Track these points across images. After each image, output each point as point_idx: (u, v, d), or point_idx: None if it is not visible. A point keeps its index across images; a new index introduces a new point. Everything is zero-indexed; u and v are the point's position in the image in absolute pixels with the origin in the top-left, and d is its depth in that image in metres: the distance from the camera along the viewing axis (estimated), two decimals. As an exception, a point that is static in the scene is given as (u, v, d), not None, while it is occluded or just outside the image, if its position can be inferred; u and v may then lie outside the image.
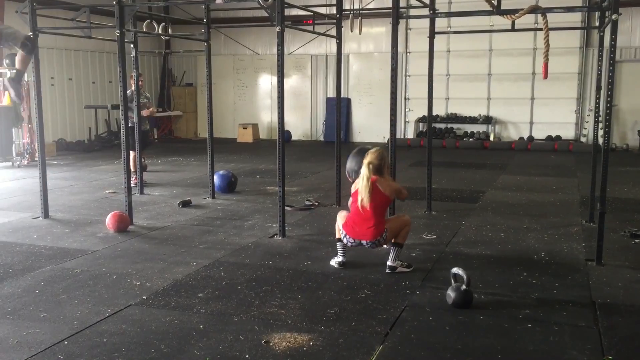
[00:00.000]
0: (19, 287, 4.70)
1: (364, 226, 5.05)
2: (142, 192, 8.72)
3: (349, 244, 5.17)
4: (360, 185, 5.00)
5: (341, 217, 5.27)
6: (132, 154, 9.14)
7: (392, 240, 5.16)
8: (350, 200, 5.20)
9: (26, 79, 11.86)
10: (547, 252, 5.75)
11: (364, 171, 5.01)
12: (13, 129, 12.12)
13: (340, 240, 5.26)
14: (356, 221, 5.09)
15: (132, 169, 9.09)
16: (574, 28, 13.48)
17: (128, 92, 9.10)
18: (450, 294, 4.31)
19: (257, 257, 5.55)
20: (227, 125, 17.83)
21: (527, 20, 7.45)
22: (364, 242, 5.10)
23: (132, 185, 8.16)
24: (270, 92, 17.57)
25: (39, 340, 3.72)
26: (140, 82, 9.31)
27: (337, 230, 5.29)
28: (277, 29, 5.98)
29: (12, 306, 4.31)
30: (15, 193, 8.80)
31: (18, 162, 11.64)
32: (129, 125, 9.01)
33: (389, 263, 5.12)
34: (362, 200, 4.98)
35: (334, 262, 5.28)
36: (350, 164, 5.58)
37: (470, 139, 15.63)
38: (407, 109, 16.45)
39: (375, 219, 5.03)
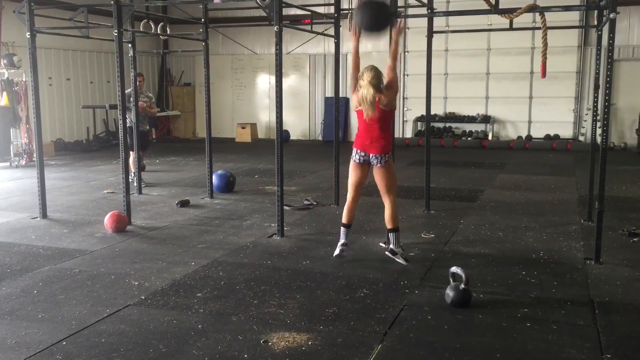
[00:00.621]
0: (17, 288, 4.70)
1: (372, 141, 5.29)
2: (140, 192, 8.72)
3: (360, 158, 5.36)
4: (366, 103, 5.17)
5: (350, 169, 5.46)
6: (131, 154, 9.20)
7: (388, 228, 5.38)
8: (357, 116, 5.39)
9: (24, 78, 11.87)
10: (546, 250, 5.75)
11: (367, 91, 5.14)
12: (11, 129, 12.10)
13: (344, 225, 5.45)
14: (364, 136, 5.33)
15: (132, 169, 9.13)
16: (572, 27, 13.48)
17: (127, 91, 9.11)
18: (449, 293, 4.31)
19: (256, 257, 5.55)
20: (226, 125, 17.82)
21: (525, 19, 7.46)
22: (371, 155, 5.30)
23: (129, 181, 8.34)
24: (268, 92, 17.56)
25: (37, 341, 3.72)
26: (139, 82, 9.30)
27: (344, 215, 5.47)
28: (275, 28, 5.97)
29: (10, 306, 4.30)
30: (13, 193, 8.79)
31: (16, 163, 11.63)
32: (127, 125, 9.03)
33: (391, 246, 5.35)
34: (367, 116, 5.23)
35: (337, 247, 5.44)
36: (356, 18, 5.28)
37: (469, 138, 15.63)
38: (405, 108, 16.45)
39: (382, 132, 5.28)
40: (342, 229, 5.48)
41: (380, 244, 5.88)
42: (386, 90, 5.24)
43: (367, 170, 5.43)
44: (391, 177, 5.37)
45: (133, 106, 8.93)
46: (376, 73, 5.19)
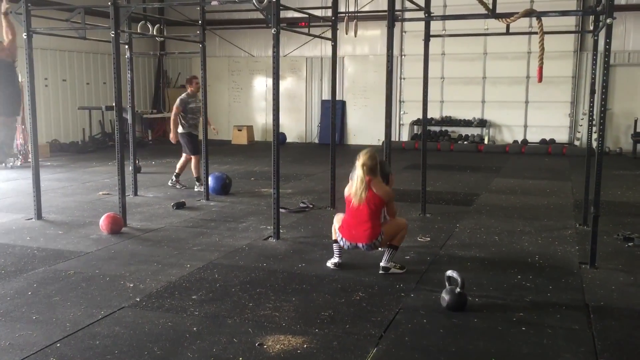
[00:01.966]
0: (11, 289, 4.67)
1: (360, 229, 5.05)
2: (136, 194, 8.70)
3: (346, 246, 5.17)
4: (355, 186, 5.02)
5: (338, 219, 5.28)
6: (191, 158, 9.21)
7: (388, 243, 5.17)
8: (345, 204, 5.19)
9: (20, 78, 11.84)
10: (541, 255, 5.76)
11: (358, 172, 5.02)
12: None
13: (336, 241, 5.27)
14: (352, 224, 5.09)
15: (195, 174, 9.22)
16: (569, 32, 13.53)
17: (184, 95, 9.03)
18: (445, 296, 4.31)
19: (251, 259, 5.54)
20: (222, 127, 17.76)
21: (521, 23, 7.48)
22: (360, 244, 5.09)
23: (199, 189, 8.72)
24: (265, 94, 17.57)
25: (31, 342, 3.70)
26: (195, 85, 9.09)
27: (334, 231, 5.29)
28: (273, 31, 5.98)
29: (4, 308, 4.28)
30: (8, 194, 8.76)
31: (11, 163, 11.59)
32: (182, 131, 9.12)
33: (382, 264, 5.14)
34: (357, 201, 4.99)
35: (330, 263, 5.29)
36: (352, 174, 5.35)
37: (465, 142, 15.66)
38: (402, 112, 16.47)
39: (371, 221, 5.03)
40: (335, 245, 5.30)
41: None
42: (384, 185, 5.09)
43: None
44: (395, 229, 5.14)
45: (129, 107, 8.91)
46: (372, 155, 5.03)
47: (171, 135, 9.22)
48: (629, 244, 6.13)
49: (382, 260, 5.15)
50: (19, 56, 10.61)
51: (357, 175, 5.03)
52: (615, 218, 7.32)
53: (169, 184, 9.46)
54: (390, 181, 5.43)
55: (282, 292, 4.66)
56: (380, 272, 5.12)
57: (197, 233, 6.53)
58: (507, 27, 6.73)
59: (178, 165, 9.51)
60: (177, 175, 9.48)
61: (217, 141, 16.47)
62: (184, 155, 9.38)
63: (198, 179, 9.19)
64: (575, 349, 3.68)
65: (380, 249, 5.40)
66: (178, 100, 9.15)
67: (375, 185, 5.04)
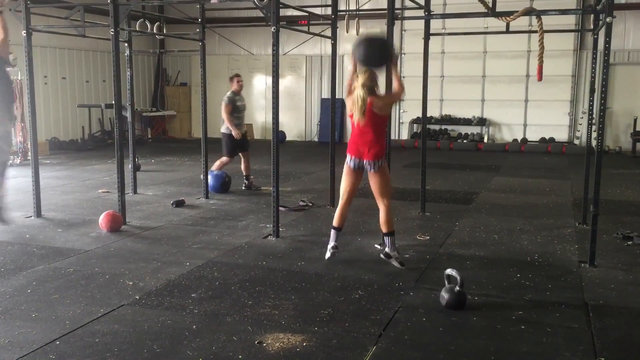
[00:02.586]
0: (10, 287, 4.67)
1: (366, 146, 5.22)
2: (135, 192, 8.69)
3: (355, 165, 5.30)
4: (357, 106, 5.13)
5: (343, 174, 5.42)
6: (224, 159, 9.06)
7: (383, 232, 5.33)
8: (351, 121, 5.33)
9: (19, 77, 11.83)
10: (540, 253, 5.77)
11: (359, 92, 5.10)
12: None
13: (335, 228, 5.41)
14: (358, 142, 5.27)
15: (217, 167, 8.97)
16: (569, 31, 13.53)
17: (230, 94, 8.87)
18: (444, 295, 4.31)
19: (251, 258, 5.54)
20: (222, 126, 17.77)
21: (521, 22, 7.47)
22: (365, 161, 5.24)
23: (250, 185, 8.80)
24: (264, 93, 17.55)
25: (30, 340, 3.70)
26: (238, 83, 9.01)
27: (336, 215, 5.43)
28: (272, 29, 5.97)
29: (3, 306, 4.28)
30: (7, 192, 8.73)
31: (10, 161, 11.57)
32: (223, 131, 8.85)
33: (386, 250, 5.30)
34: (358, 120, 5.16)
35: (328, 250, 5.40)
36: (355, 52, 5.28)
37: (464, 141, 15.66)
38: (401, 110, 16.46)
39: (375, 137, 5.21)
40: (333, 231, 5.45)
41: (376, 245, 5.88)
42: (384, 97, 5.20)
43: (361, 175, 5.40)
44: (385, 182, 5.35)
45: (129, 105, 8.90)
46: (370, 75, 5.14)
47: (235, 133, 8.82)
48: (628, 242, 6.14)
49: (387, 248, 5.31)
50: (18, 54, 10.60)
51: (358, 95, 5.11)
52: (614, 217, 7.32)
53: (243, 187, 9.09)
54: (394, 60, 5.39)
55: (282, 290, 4.67)
56: (381, 255, 5.31)
57: (197, 231, 6.53)
58: (507, 26, 6.72)
59: (242, 168, 9.17)
60: (247, 177, 9.17)
61: (216, 139, 16.45)
62: (241, 156, 9.09)
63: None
64: (574, 347, 3.68)
65: (379, 245, 5.45)
66: (226, 99, 8.85)
67: (377, 104, 5.15)
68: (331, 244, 5.40)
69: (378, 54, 5.16)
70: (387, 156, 6.27)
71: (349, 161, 5.34)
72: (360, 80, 5.13)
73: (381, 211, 5.35)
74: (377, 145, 5.23)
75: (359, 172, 5.36)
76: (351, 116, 5.28)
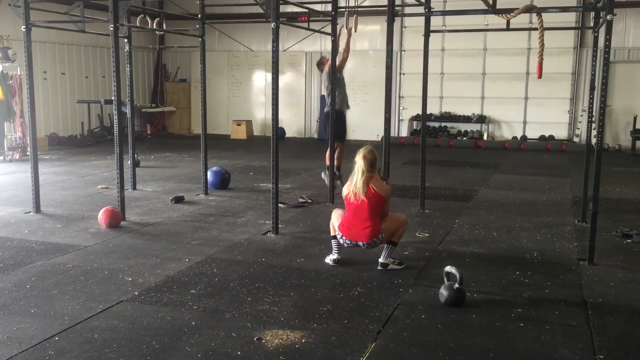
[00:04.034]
0: (9, 282, 4.67)
1: (360, 227, 5.03)
2: (134, 188, 8.69)
3: (345, 245, 5.16)
4: (355, 180, 5.01)
5: (336, 216, 5.26)
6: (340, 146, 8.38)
7: (390, 239, 5.18)
8: (345, 203, 5.16)
9: (18, 72, 11.81)
10: (540, 251, 5.77)
11: (360, 164, 5.00)
12: (5, 123, 12.04)
13: (334, 237, 5.27)
14: (352, 222, 5.07)
15: (337, 163, 8.37)
16: (569, 28, 13.52)
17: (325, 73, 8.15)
18: (443, 292, 4.31)
19: (250, 254, 5.54)
20: (221, 122, 17.78)
21: (521, 19, 7.47)
22: (360, 243, 5.08)
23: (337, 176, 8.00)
24: (264, 89, 17.54)
25: (29, 336, 3.70)
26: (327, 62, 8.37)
27: (332, 228, 5.29)
28: (272, 25, 5.96)
29: (2, 301, 4.28)
30: (6, 187, 8.74)
31: (10, 157, 11.57)
32: (325, 110, 8.04)
33: (380, 260, 5.14)
34: (357, 193, 4.97)
35: (329, 259, 5.29)
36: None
37: (464, 138, 15.66)
38: (401, 107, 16.45)
39: (372, 219, 5.01)
40: (334, 240, 5.28)
41: (375, 242, 5.87)
42: (381, 183, 5.07)
43: None
44: (396, 225, 5.14)
45: (128, 101, 8.89)
46: (371, 150, 5.04)
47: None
48: (628, 240, 6.14)
49: (381, 257, 5.15)
50: (17, 49, 10.58)
51: (358, 168, 5.02)
52: (613, 215, 7.33)
53: (327, 179, 8.31)
54: (388, 183, 5.38)
55: (281, 286, 4.67)
56: (379, 267, 5.13)
57: (196, 227, 6.53)
58: (507, 23, 6.73)
59: (335, 156, 8.22)
60: (338, 168, 8.55)
61: (216, 135, 16.46)
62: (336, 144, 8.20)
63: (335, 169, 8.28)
64: (573, 344, 3.69)
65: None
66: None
67: (375, 182, 5.03)
68: (334, 256, 5.26)
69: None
70: (386, 155, 6.26)
71: (340, 238, 5.14)
72: (360, 153, 5.01)
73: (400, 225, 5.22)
74: (374, 224, 5.00)
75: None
76: (346, 196, 5.09)
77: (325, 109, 8.34)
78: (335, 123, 8.09)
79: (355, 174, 5.04)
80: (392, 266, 5.13)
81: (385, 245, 5.16)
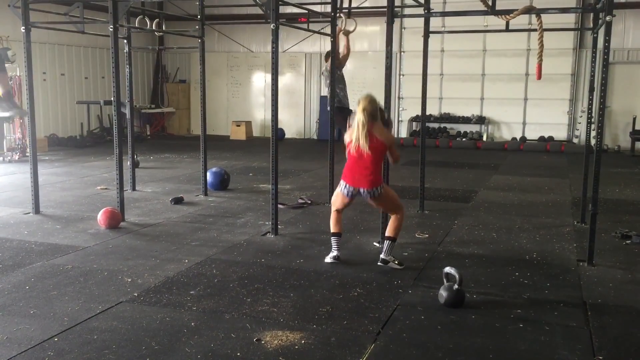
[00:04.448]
0: (9, 283, 4.67)
1: (363, 174, 5.09)
2: (134, 189, 8.69)
3: (348, 193, 5.18)
4: (357, 132, 5.02)
5: (334, 209, 5.32)
6: None
7: (386, 234, 5.24)
8: (347, 150, 5.20)
9: (18, 73, 11.81)
10: (539, 252, 5.77)
11: (360, 117, 5.01)
12: (4, 124, 12.04)
13: (334, 234, 5.30)
14: (354, 169, 5.13)
15: None
16: (568, 29, 13.52)
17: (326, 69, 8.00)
18: (443, 293, 4.31)
19: (250, 255, 5.54)
20: (221, 123, 17.79)
21: (521, 20, 7.47)
22: (362, 189, 5.12)
23: None
24: (264, 90, 17.54)
25: (28, 337, 3.70)
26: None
27: (332, 224, 5.33)
28: (272, 26, 5.96)
29: (1, 302, 4.27)
30: (5, 188, 8.74)
31: (9, 157, 11.57)
32: (336, 105, 7.78)
33: (382, 256, 5.20)
34: (359, 145, 5.01)
35: (329, 257, 5.32)
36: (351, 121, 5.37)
37: (464, 139, 15.66)
38: (400, 108, 16.46)
39: (373, 166, 5.06)
40: (333, 238, 5.33)
41: (374, 243, 5.89)
42: (382, 130, 5.09)
43: (353, 199, 5.28)
44: (393, 200, 5.22)
45: (128, 102, 8.89)
46: (372, 101, 5.06)
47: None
48: (627, 241, 6.14)
49: (382, 253, 5.21)
50: (17, 50, 10.58)
51: (358, 120, 5.03)
52: (613, 215, 7.33)
53: None
54: (389, 124, 5.37)
55: (280, 287, 4.66)
56: (379, 263, 5.18)
57: (195, 228, 6.53)
58: (507, 24, 6.73)
59: None
60: None
61: (215, 136, 16.46)
62: None
63: None
64: (572, 345, 3.69)
65: (378, 244, 5.45)
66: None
67: (377, 130, 5.06)
68: (334, 253, 5.30)
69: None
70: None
71: (343, 188, 5.20)
72: (361, 105, 5.03)
73: (393, 218, 5.25)
74: (375, 172, 5.08)
75: (352, 198, 5.25)
76: (348, 144, 5.14)
77: (339, 103, 8.17)
78: (341, 118, 8.04)
79: (356, 126, 5.03)
80: (393, 265, 5.16)
81: (385, 242, 5.23)
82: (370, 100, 5.06)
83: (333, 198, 5.39)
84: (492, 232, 6.55)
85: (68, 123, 15.27)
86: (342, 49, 7.93)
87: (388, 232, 5.24)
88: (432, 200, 8.12)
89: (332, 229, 5.35)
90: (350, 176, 5.15)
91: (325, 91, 8.25)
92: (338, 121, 8.09)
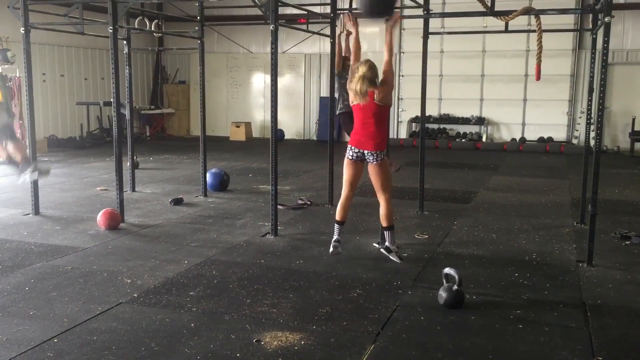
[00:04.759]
0: (8, 284, 4.67)
1: (367, 137, 5.26)
2: (133, 190, 8.69)
3: (354, 155, 5.34)
4: (359, 95, 5.19)
5: (344, 165, 5.45)
6: None
7: (382, 227, 5.42)
8: (354, 111, 5.37)
9: (17, 74, 11.81)
10: (538, 253, 5.77)
11: (359, 86, 5.14)
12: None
13: (338, 222, 5.45)
14: (360, 132, 5.30)
15: None
16: (567, 30, 13.54)
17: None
18: (442, 294, 4.31)
19: (249, 256, 5.54)
20: (220, 124, 17.79)
21: (520, 21, 7.47)
22: (366, 152, 5.27)
23: None
24: (263, 91, 17.54)
25: (28, 338, 3.70)
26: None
27: (339, 208, 5.48)
28: (271, 27, 5.96)
29: (1, 303, 4.27)
30: (5, 189, 8.74)
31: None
32: (342, 111, 7.49)
33: (386, 244, 5.38)
34: (363, 106, 5.21)
35: (332, 242, 5.43)
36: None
37: (463, 140, 15.67)
38: (400, 109, 16.46)
39: (377, 129, 5.24)
40: (336, 225, 5.48)
41: (374, 244, 5.89)
42: (381, 86, 5.24)
43: (362, 167, 5.43)
44: (386, 176, 5.38)
45: (127, 103, 8.89)
46: (370, 66, 5.18)
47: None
48: (626, 242, 6.15)
49: (386, 242, 5.39)
50: (16, 51, 10.58)
51: (359, 88, 5.15)
52: (612, 216, 7.33)
53: None
54: (385, 64, 5.38)
55: (280, 288, 4.67)
56: (382, 250, 5.39)
57: (195, 229, 6.53)
58: (506, 25, 6.73)
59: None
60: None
61: (215, 137, 16.46)
62: None
63: None
64: (572, 346, 3.69)
65: (377, 244, 5.48)
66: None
67: (378, 94, 5.18)
68: (335, 237, 5.44)
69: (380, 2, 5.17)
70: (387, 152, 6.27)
71: (349, 152, 5.37)
72: (360, 71, 5.16)
73: (382, 205, 5.40)
74: (379, 137, 5.28)
75: (359, 163, 5.38)
76: (354, 106, 5.32)
77: (338, 111, 8.09)
78: (350, 122, 7.88)
79: (358, 93, 5.17)
80: (394, 257, 5.29)
81: (386, 233, 5.39)
82: (370, 66, 5.18)
83: (344, 175, 5.48)
84: (491, 232, 6.55)
85: (68, 124, 15.26)
86: (344, 51, 7.82)
87: (383, 222, 5.40)
88: (432, 201, 8.12)
89: (337, 216, 5.47)
90: (356, 139, 5.34)
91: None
92: (346, 125, 7.98)
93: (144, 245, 5.87)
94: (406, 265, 5.25)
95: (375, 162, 5.30)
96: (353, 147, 5.35)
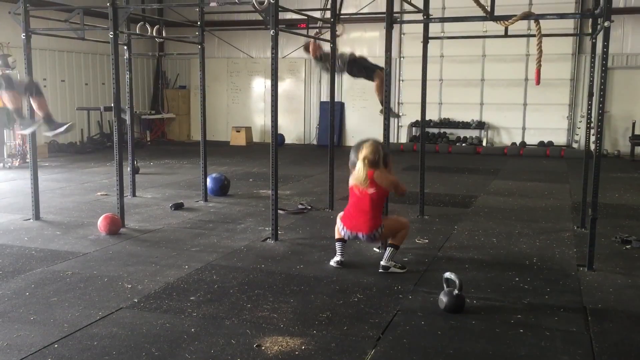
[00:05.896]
0: (9, 290, 4.67)
1: (361, 219, 5.14)
2: (134, 195, 8.69)
3: (346, 236, 5.26)
4: (358, 179, 5.12)
5: (340, 215, 5.37)
6: None
7: (389, 242, 5.24)
8: (350, 194, 5.28)
9: (18, 77, 11.80)
10: (539, 257, 5.77)
11: (360, 166, 5.09)
12: (5, 130, 12.05)
13: (339, 240, 5.34)
14: (353, 214, 5.20)
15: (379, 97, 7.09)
16: (567, 35, 13.56)
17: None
18: (443, 298, 4.31)
19: (250, 261, 5.54)
20: (220, 128, 17.80)
21: (520, 26, 7.48)
22: (360, 234, 5.17)
23: None
24: (263, 96, 17.56)
25: (28, 343, 3.69)
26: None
27: (336, 231, 5.36)
28: (272, 32, 5.98)
29: (2, 308, 4.27)
30: (6, 195, 8.74)
31: (9, 164, 11.57)
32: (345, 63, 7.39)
33: (382, 263, 5.19)
34: (360, 191, 5.12)
35: (333, 261, 5.35)
36: (352, 156, 5.46)
37: (463, 144, 15.67)
38: (400, 114, 16.46)
39: (372, 212, 5.12)
40: (338, 243, 5.37)
41: (375, 249, 5.88)
42: (386, 174, 5.16)
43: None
44: (396, 226, 5.23)
45: (128, 108, 8.90)
46: (375, 149, 5.11)
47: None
48: (627, 246, 6.14)
49: (383, 259, 5.20)
50: (17, 57, 10.59)
51: (359, 168, 5.11)
52: (613, 220, 7.33)
53: None
54: (389, 162, 5.40)
55: (280, 293, 4.66)
56: (380, 270, 5.17)
57: (195, 234, 6.53)
58: (506, 30, 6.74)
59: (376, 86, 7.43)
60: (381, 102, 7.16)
61: (215, 142, 16.48)
62: None
63: None
64: (572, 351, 3.69)
65: (378, 249, 5.44)
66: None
67: (379, 177, 5.11)
68: (337, 257, 5.33)
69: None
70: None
71: (341, 229, 5.27)
72: (362, 153, 5.10)
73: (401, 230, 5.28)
74: (374, 217, 5.13)
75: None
76: (351, 188, 5.23)
77: (342, 67, 7.74)
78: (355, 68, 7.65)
79: (358, 172, 5.13)
80: (394, 269, 5.17)
81: (387, 248, 5.21)
82: (373, 150, 5.10)
83: (338, 217, 5.39)
84: (492, 237, 6.55)
85: (68, 129, 15.25)
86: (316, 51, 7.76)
87: (393, 240, 5.24)
88: (432, 206, 8.12)
89: (337, 235, 5.39)
90: (349, 222, 5.21)
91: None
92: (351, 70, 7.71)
93: (144, 250, 5.87)
94: (407, 270, 5.24)
95: (374, 239, 5.22)
96: (345, 228, 5.22)
